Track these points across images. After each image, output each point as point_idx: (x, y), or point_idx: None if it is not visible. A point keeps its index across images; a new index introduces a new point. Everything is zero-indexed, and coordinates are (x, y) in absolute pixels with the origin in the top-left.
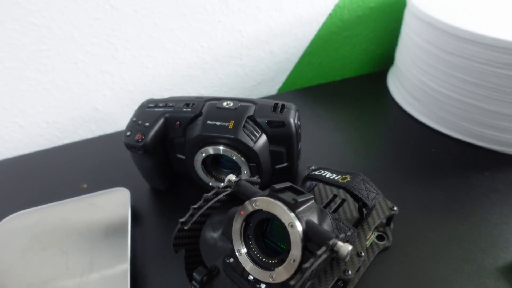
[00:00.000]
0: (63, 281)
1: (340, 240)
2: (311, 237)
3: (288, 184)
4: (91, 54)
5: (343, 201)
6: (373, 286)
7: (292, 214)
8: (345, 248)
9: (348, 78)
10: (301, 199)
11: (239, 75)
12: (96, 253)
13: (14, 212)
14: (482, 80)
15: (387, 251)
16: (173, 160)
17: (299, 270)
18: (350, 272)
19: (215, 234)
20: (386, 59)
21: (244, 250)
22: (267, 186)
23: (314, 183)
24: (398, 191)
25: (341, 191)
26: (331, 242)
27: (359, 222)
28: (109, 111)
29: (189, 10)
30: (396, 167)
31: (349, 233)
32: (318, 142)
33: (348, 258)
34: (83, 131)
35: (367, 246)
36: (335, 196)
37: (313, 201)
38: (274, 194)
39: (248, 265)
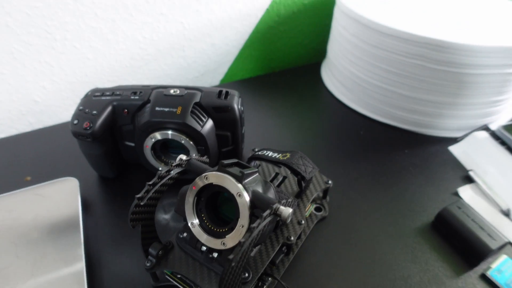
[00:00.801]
0: (15, 270)
1: (282, 205)
2: (257, 204)
3: (235, 160)
4: (28, 44)
5: (284, 178)
6: (313, 250)
7: (240, 185)
8: (287, 211)
9: (286, 70)
10: (247, 171)
11: (182, 66)
12: (48, 241)
13: None
14: (400, 69)
15: (324, 221)
16: (122, 147)
17: (248, 231)
18: (292, 238)
19: (167, 216)
20: (319, 52)
21: (197, 222)
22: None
23: (258, 163)
24: (332, 168)
25: (282, 169)
26: (274, 206)
27: (299, 195)
28: (49, 103)
29: (130, 1)
30: (329, 148)
31: (289, 200)
32: (260, 127)
33: (289, 219)
34: (21, 124)
35: (307, 216)
36: (277, 174)
37: (257, 174)
38: (223, 169)
39: (201, 236)
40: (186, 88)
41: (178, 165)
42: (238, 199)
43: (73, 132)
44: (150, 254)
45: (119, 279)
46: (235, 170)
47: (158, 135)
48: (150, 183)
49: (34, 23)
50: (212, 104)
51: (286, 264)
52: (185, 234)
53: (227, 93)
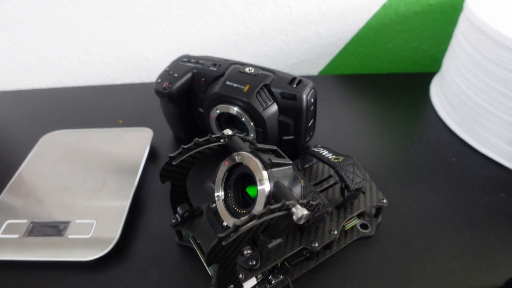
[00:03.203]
0: (79, 190)
1: (300, 204)
2: (276, 197)
3: (273, 147)
4: (150, 7)
5: (336, 182)
6: (342, 268)
7: (264, 172)
8: (301, 211)
9: (392, 74)
10: (277, 161)
11: (283, 50)
12: (111, 175)
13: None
14: None
15: (368, 241)
16: (196, 113)
17: (249, 217)
18: (316, 245)
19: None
20: (436, 62)
21: (222, 196)
22: None
23: (314, 160)
24: (401, 187)
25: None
26: (287, 202)
27: (342, 204)
28: (157, 63)
29: None
30: (407, 164)
31: (313, 203)
32: (340, 127)
33: (302, 221)
34: (133, 75)
35: (346, 228)
36: (330, 176)
37: (290, 167)
38: (255, 152)
39: (222, 211)
40: (262, 69)
41: (218, 138)
42: (258, 185)
43: (155, 89)
44: (177, 213)
45: (154, 224)
46: (267, 156)
47: (223, 108)
48: (186, 147)
49: None
50: (280, 89)
51: (304, 270)
52: (214, 205)
53: (300, 81)
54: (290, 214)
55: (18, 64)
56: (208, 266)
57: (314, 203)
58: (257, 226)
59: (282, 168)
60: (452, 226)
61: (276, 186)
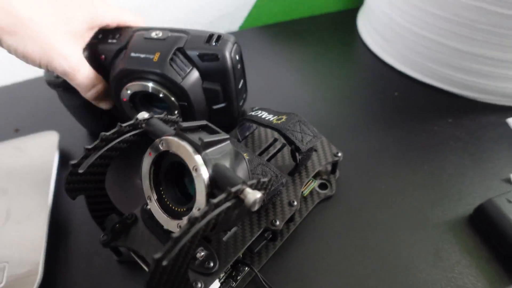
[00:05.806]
0: None
1: (249, 187)
2: (219, 183)
3: (203, 122)
4: None
5: (283, 145)
6: (310, 237)
7: (198, 157)
8: (252, 195)
9: (316, 16)
10: (210, 139)
11: (194, 8)
12: (15, 200)
13: None
14: (451, 13)
15: (330, 201)
16: None
17: (188, 222)
18: (278, 223)
19: None
20: None
21: (154, 197)
22: None
23: (255, 126)
24: (350, 136)
25: None
26: (234, 189)
27: (296, 169)
28: None
29: None
30: (352, 110)
31: (264, 179)
32: (274, 83)
33: (256, 207)
34: (17, 73)
35: (305, 194)
36: (275, 140)
37: (228, 142)
38: (181, 133)
39: (158, 214)
40: (172, 30)
41: (132, 126)
42: (194, 174)
43: (46, 81)
44: (106, 228)
45: (84, 244)
46: (197, 136)
47: (134, 87)
48: (89, 147)
49: None
50: (198, 51)
51: (271, 252)
52: (149, 207)
53: (219, 37)
54: (241, 201)
55: None
56: None
57: (266, 179)
58: (202, 229)
59: (219, 146)
60: (409, 163)
61: (216, 170)
